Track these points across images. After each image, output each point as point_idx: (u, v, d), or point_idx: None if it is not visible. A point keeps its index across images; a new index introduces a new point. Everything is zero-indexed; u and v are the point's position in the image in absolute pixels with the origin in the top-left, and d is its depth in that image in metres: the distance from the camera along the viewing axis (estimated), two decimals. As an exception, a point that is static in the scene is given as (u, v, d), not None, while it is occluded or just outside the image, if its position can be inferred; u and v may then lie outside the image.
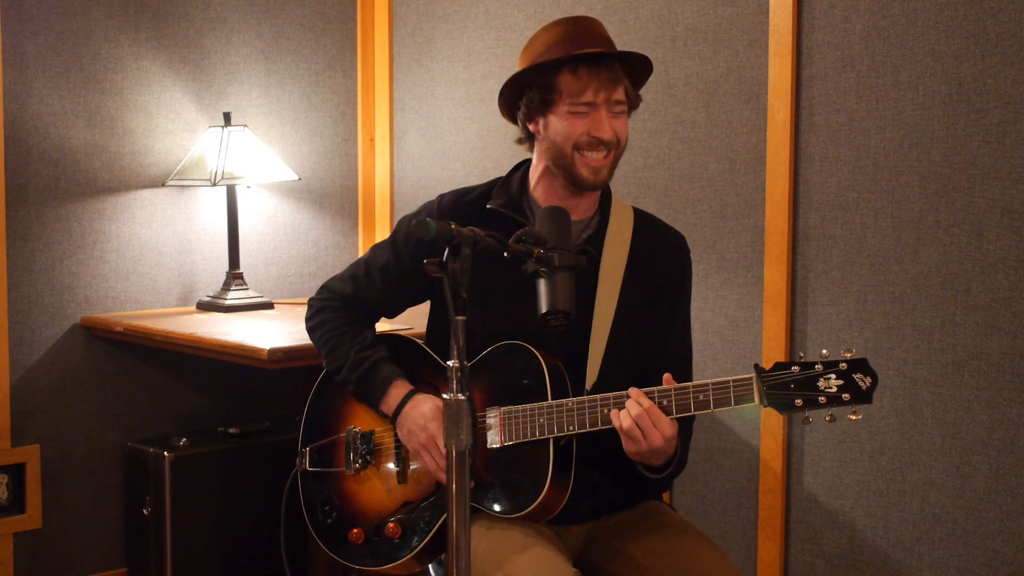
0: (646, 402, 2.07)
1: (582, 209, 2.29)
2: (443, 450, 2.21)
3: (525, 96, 2.25)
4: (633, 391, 2.09)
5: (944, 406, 2.73)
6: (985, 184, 2.64)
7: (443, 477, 2.24)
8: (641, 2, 3.25)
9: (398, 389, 2.31)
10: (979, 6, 2.63)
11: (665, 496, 3.18)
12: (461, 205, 2.34)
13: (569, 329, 2.07)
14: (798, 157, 2.95)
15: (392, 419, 2.31)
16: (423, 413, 2.26)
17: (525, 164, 2.37)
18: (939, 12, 2.69)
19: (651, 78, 3.20)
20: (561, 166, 2.24)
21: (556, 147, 2.22)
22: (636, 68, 2.27)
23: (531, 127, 2.27)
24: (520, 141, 2.32)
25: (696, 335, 3.09)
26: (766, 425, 3.02)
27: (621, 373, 2.25)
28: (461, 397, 1.80)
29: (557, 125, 2.21)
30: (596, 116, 2.19)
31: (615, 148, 2.22)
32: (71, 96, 3.44)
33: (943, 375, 2.73)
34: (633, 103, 2.27)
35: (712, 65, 3.10)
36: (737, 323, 3.08)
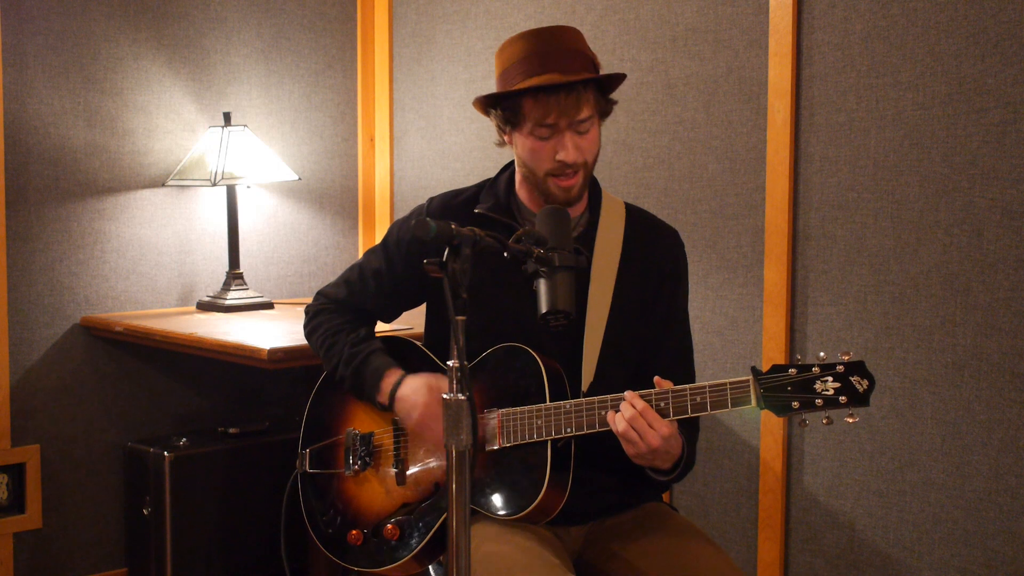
0: (640, 404, 2.07)
1: (570, 208, 2.29)
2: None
3: (492, 113, 2.25)
4: (628, 394, 2.09)
5: (944, 406, 2.73)
6: (985, 184, 2.64)
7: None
8: (641, 2, 3.25)
9: (390, 375, 2.30)
10: (979, 6, 2.63)
11: (665, 496, 3.18)
12: (450, 208, 2.33)
13: (563, 329, 2.07)
14: (798, 157, 2.95)
15: (389, 406, 2.31)
16: (417, 388, 2.25)
17: (512, 165, 2.37)
18: (939, 12, 2.69)
19: (651, 78, 3.21)
20: (533, 184, 2.24)
21: (526, 167, 2.23)
22: (607, 78, 2.24)
23: (505, 139, 2.28)
24: (500, 144, 2.33)
25: (696, 335, 3.09)
26: (766, 425, 3.02)
27: (619, 372, 2.25)
28: (461, 397, 1.79)
29: (523, 145, 2.21)
30: (560, 140, 2.17)
31: (583, 167, 2.21)
32: (71, 96, 3.44)
33: (943, 375, 2.73)
34: (604, 112, 2.24)
35: (712, 65, 3.10)
36: (737, 323, 3.08)
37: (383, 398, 2.30)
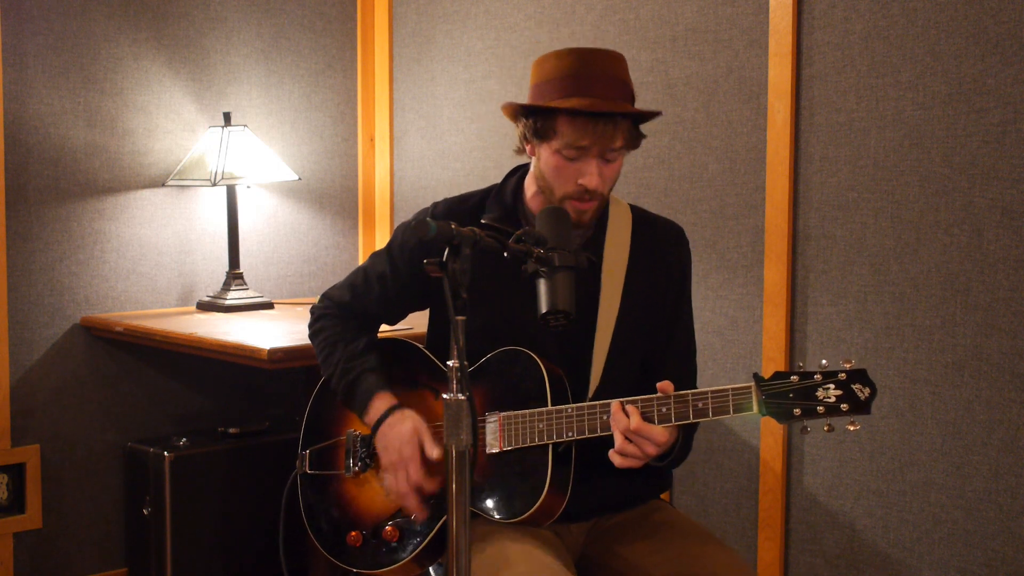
0: (635, 422, 2.07)
1: None
2: (411, 476, 2.22)
3: (523, 122, 2.23)
4: (630, 408, 2.09)
5: (944, 406, 2.73)
6: (985, 184, 2.64)
7: (405, 502, 2.23)
8: (641, 2, 3.25)
9: (380, 401, 2.29)
10: (979, 6, 2.63)
11: (665, 496, 3.18)
12: (455, 214, 2.32)
13: (572, 333, 2.07)
14: (798, 157, 2.95)
15: (372, 431, 2.31)
16: (400, 433, 2.24)
17: (521, 170, 2.37)
18: (939, 12, 2.69)
19: (651, 78, 3.21)
20: (547, 199, 2.23)
21: (545, 182, 2.21)
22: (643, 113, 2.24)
23: (527, 148, 2.26)
24: (519, 151, 2.32)
25: (696, 335, 3.08)
26: (766, 426, 3.02)
27: (625, 376, 2.25)
28: (461, 397, 1.79)
29: (548, 160, 2.19)
30: (587, 164, 2.16)
31: (601, 196, 2.21)
32: (71, 96, 3.44)
33: (943, 375, 2.73)
34: (633, 144, 2.23)
35: (712, 65, 3.10)
36: (737, 323, 3.08)
37: (369, 422, 2.31)
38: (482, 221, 2.29)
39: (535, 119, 2.19)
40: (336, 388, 2.37)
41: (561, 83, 2.17)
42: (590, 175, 2.16)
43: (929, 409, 2.76)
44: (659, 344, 2.32)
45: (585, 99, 2.13)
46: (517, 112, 2.24)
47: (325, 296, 2.49)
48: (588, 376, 2.25)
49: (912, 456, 2.79)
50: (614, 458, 2.10)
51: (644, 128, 2.28)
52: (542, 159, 2.21)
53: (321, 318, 2.46)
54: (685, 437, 2.21)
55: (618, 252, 2.30)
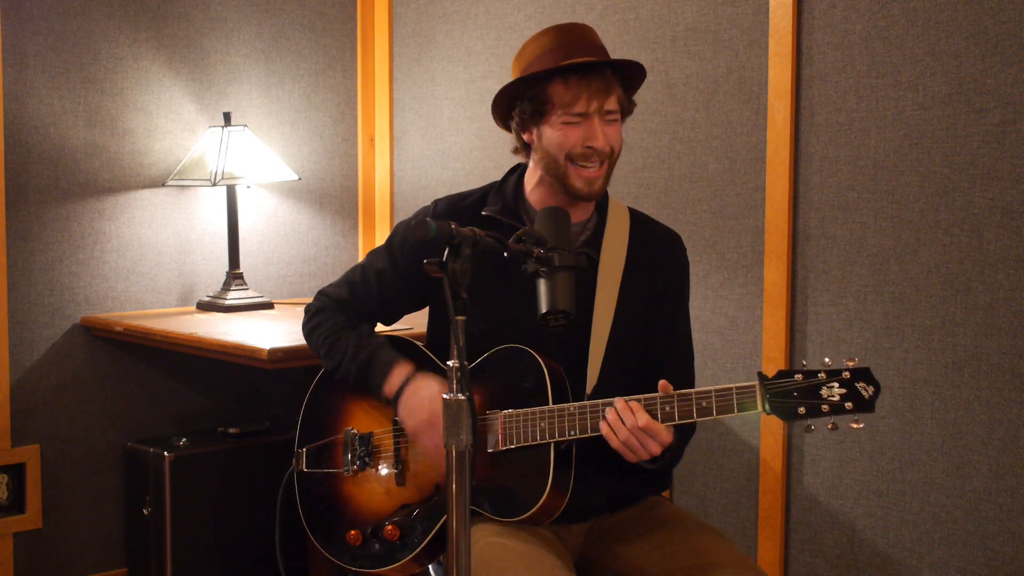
0: (644, 419, 2.07)
1: (579, 212, 2.29)
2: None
3: (517, 107, 2.24)
4: (633, 405, 2.09)
5: (944, 406, 2.73)
6: (985, 184, 2.64)
7: (442, 459, 2.23)
8: (641, 2, 3.25)
9: (401, 368, 2.29)
10: (979, 6, 2.63)
11: (665, 495, 3.18)
12: (456, 210, 2.33)
13: (569, 331, 2.07)
14: (798, 157, 2.95)
15: (394, 400, 2.29)
16: (430, 393, 2.23)
17: (520, 168, 2.37)
18: (939, 12, 2.69)
19: (651, 78, 3.21)
20: (555, 176, 2.23)
21: (550, 157, 2.22)
22: (629, 74, 2.26)
23: (525, 137, 2.27)
24: (516, 151, 2.32)
25: (696, 335, 3.09)
26: (766, 425, 3.02)
27: (622, 374, 2.26)
28: (461, 397, 1.79)
29: (551, 135, 2.21)
30: (589, 125, 2.18)
31: (608, 158, 2.22)
32: (71, 96, 3.44)
33: (943, 375, 2.73)
34: (627, 110, 2.26)
35: (712, 65, 3.10)
36: (737, 323, 3.08)
37: (390, 390, 2.29)
38: (483, 213, 2.29)
39: (529, 101, 2.21)
40: (348, 369, 2.35)
41: (548, 56, 2.21)
42: (595, 135, 2.18)
43: (929, 409, 2.76)
44: (655, 348, 2.32)
45: (574, 60, 2.18)
46: (510, 95, 2.25)
47: (322, 293, 2.49)
48: (585, 375, 2.25)
49: (912, 456, 2.79)
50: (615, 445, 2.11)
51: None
52: (545, 137, 2.22)
53: (319, 312, 2.45)
54: (680, 441, 2.21)
55: (616, 252, 2.30)
